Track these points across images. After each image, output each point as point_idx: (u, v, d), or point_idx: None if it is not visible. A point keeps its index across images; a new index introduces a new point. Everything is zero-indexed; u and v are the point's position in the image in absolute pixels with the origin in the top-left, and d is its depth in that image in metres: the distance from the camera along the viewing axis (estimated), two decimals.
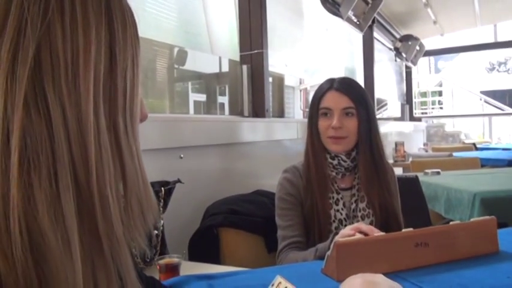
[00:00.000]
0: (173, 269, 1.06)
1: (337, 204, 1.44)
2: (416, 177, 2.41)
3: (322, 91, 1.48)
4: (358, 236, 1.07)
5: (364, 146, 1.45)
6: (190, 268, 1.12)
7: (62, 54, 0.37)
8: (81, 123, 0.37)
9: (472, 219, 1.18)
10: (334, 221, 1.42)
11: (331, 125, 1.43)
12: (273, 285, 0.78)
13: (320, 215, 1.40)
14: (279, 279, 0.78)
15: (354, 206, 1.45)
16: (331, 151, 1.46)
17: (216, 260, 1.52)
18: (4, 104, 0.34)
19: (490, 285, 0.92)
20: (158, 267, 1.05)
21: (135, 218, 0.42)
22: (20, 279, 0.33)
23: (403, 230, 1.09)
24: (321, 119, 1.46)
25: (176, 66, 2.75)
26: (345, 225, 1.36)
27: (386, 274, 0.98)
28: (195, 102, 3.21)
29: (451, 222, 1.16)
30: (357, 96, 1.46)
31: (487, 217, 1.17)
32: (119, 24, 0.41)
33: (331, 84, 1.48)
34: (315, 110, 1.48)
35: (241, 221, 1.57)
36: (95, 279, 0.38)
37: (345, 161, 1.46)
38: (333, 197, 1.44)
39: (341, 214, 1.43)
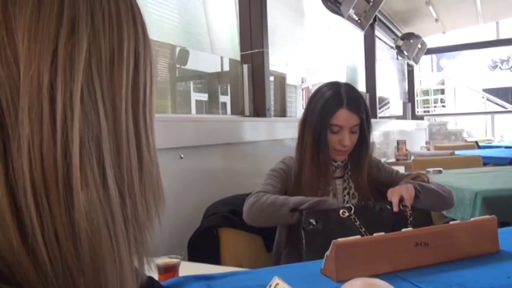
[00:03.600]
0: (172, 270, 1.06)
1: (327, 195, 1.53)
2: None
3: (333, 107, 1.52)
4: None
5: (358, 149, 1.59)
6: (189, 268, 1.12)
7: (104, 50, 0.39)
8: (115, 119, 0.40)
9: (472, 219, 1.17)
10: None
11: (341, 141, 1.52)
12: (270, 286, 0.78)
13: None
14: (276, 280, 0.78)
15: (345, 196, 1.58)
16: (335, 160, 1.59)
17: (215, 260, 1.52)
18: (63, 96, 0.35)
19: (490, 285, 0.91)
20: (157, 267, 1.05)
21: (150, 208, 0.44)
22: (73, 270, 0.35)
23: (403, 230, 1.09)
24: (330, 134, 1.54)
25: (178, 65, 2.75)
26: (338, 209, 1.44)
27: (385, 274, 0.98)
28: (197, 101, 3.22)
29: (451, 222, 1.16)
30: (363, 113, 1.56)
31: (488, 216, 1.17)
32: (140, 22, 0.44)
33: (340, 99, 1.52)
34: (326, 123, 1.53)
35: (241, 221, 1.56)
36: (133, 268, 0.41)
37: (335, 161, 1.60)
38: (323, 189, 1.54)
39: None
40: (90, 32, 0.38)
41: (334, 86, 1.57)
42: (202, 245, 1.59)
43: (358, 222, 1.37)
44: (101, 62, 0.39)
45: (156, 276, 1.04)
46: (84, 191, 0.36)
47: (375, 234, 1.05)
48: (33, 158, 0.34)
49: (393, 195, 1.45)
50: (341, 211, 1.39)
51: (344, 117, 1.51)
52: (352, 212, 1.39)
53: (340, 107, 1.51)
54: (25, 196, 0.34)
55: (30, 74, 0.34)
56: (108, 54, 0.39)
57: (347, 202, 1.53)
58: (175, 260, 1.07)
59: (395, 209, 1.42)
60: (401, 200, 1.43)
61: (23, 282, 0.34)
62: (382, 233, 1.05)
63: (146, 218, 0.43)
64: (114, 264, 0.38)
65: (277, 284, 0.77)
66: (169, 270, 1.04)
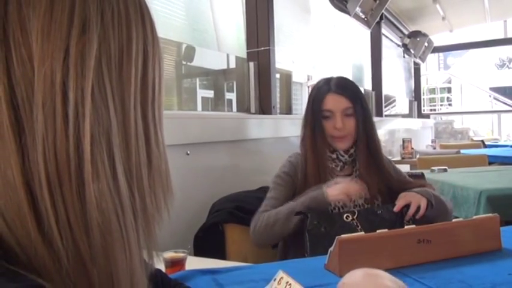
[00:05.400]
0: (179, 264, 1.08)
1: None
2: (422, 174, 2.41)
3: (321, 94, 1.59)
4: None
5: (361, 140, 1.57)
6: (195, 263, 1.14)
7: (113, 49, 0.40)
8: (125, 115, 0.41)
9: (474, 217, 1.18)
10: (334, 209, 1.49)
11: (335, 126, 1.55)
12: (275, 279, 0.80)
13: None
14: (281, 274, 0.80)
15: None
16: (337, 148, 1.57)
17: (221, 255, 1.54)
18: (75, 93, 0.37)
19: (491, 282, 0.93)
20: (164, 261, 1.07)
21: (159, 201, 0.46)
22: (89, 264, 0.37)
23: (406, 227, 1.10)
24: (324, 121, 1.57)
25: (184, 62, 2.77)
26: (342, 213, 1.44)
27: (388, 270, 0.99)
28: (203, 98, 3.23)
29: (454, 220, 1.17)
30: (354, 96, 1.58)
31: (490, 214, 1.18)
32: (148, 21, 0.45)
33: (329, 87, 1.59)
34: (317, 111, 1.58)
35: (246, 217, 1.58)
36: (143, 260, 0.43)
37: (342, 156, 1.58)
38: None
39: (339, 202, 1.49)
40: (100, 31, 0.39)
41: (326, 79, 1.63)
42: (208, 240, 1.61)
43: (360, 227, 1.38)
44: (110, 60, 0.40)
45: (163, 270, 1.06)
46: (95, 183, 0.38)
47: (378, 231, 1.07)
48: (47, 151, 0.36)
49: (404, 201, 1.43)
50: (345, 215, 1.40)
51: (332, 100, 1.56)
52: (356, 216, 1.40)
53: (328, 92, 1.57)
54: (40, 187, 0.35)
55: (44, 72, 0.36)
56: (118, 53, 0.41)
57: (354, 201, 1.52)
58: (181, 254, 1.09)
59: (396, 209, 1.42)
60: (407, 206, 1.42)
61: (40, 269, 0.35)
62: (385, 230, 1.07)
63: (155, 210, 0.45)
64: (123, 253, 0.40)
65: (282, 277, 0.79)
66: (176, 264, 1.07)
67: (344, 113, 1.55)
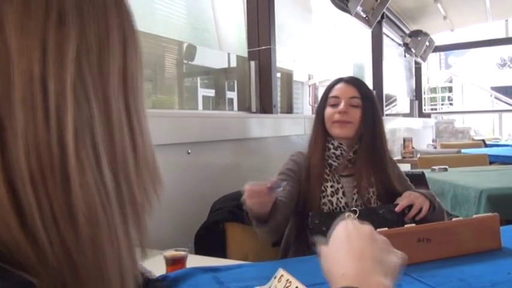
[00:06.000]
0: (180, 262, 1.08)
1: (337, 193, 1.51)
2: (423, 173, 2.41)
3: (331, 85, 1.62)
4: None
5: (366, 138, 1.53)
6: (196, 261, 1.14)
7: (92, 40, 0.40)
8: (107, 105, 0.41)
9: (474, 216, 1.19)
10: (335, 209, 1.48)
11: (338, 110, 1.53)
12: (275, 277, 0.80)
13: (311, 193, 1.50)
14: (281, 272, 0.80)
15: (355, 195, 1.52)
16: (335, 135, 1.54)
17: (221, 254, 1.54)
18: (55, 87, 0.37)
19: (490, 281, 0.93)
20: (165, 259, 1.07)
21: (147, 190, 0.45)
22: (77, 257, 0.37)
23: (406, 226, 1.10)
24: (328, 108, 1.57)
25: (185, 61, 2.77)
26: (343, 212, 1.44)
27: None
28: (204, 97, 3.23)
29: (453, 219, 1.17)
30: (364, 90, 1.58)
31: (490, 214, 1.18)
32: (126, 10, 0.45)
33: (340, 79, 1.62)
34: (324, 100, 1.60)
35: (246, 215, 1.59)
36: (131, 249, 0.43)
37: (346, 152, 1.54)
38: (333, 186, 1.51)
39: (340, 202, 1.50)
40: (78, 23, 0.39)
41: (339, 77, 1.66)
42: (209, 239, 1.61)
43: None
44: (90, 52, 0.40)
45: (164, 268, 1.06)
46: (80, 176, 0.37)
47: (378, 230, 1.07)
48: (28, 147, 0.36)
49: (408, 201, 1.42)
50: (346, 214, 1.40)
51: (340, 88, 1.58)
52: (357, 215, 1.39)
53: (338, 82, 1.60)
54: (23, 183, 0.35)
55: (22, 67, 0.36)
56: (97, 44, 0.40)
57: (356, 201, 1.52)
58: (182, 253, 1.10)
59: (398, 209, 1.42)
60: (409, 206, 1.42)
61: (24, 263, 0.35)
62: (385, 229, 1.07)
63: (145, 199, 0.45)
64: (111, 245, 0.40)
65: (282, 275, 0.79)
66: (177, 262, 1.07)
67: (350, 103, 1.53)
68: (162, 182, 0.47)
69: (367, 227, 0.62)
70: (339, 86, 1.58)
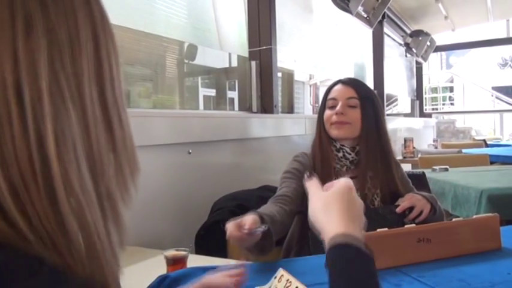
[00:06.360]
0: (180, 261, 1.08)
1: None
2: (423, 173, 2.41)
3: (330, 87, 1.62)
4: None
5: (367, 139, 1.51)
6: (197, 261, 1.14)
7: (63, 40, 0.40)
8: (83, 106, 0.41)
9: (474, 216, 1.19)
10: None
11: (335, 111, 1.53)
12: (275, 277, 0.81)
13: None
14: (281, 272, 0.81)
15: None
16: (334, 136, 1.54)
17: (222, 253, 1.55)
18: (30, 95, 0.37)
19: (490, 281, 0.93)
20: (166, 259, 1.08)
21: (126, 179, 0.46)
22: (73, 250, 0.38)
23: (406, 226, 1.11)
24: (327, 110, 1.58)
25: (186, 61, 2.77)
26: None
27: (388, 268, 1.00)
28: (205, 97, 3.24)
29: (454, 219, 1.18)
30: (362, 91, 1.57)
31: (490, 214, 1.18)
32: (95, 4, 0.44)
33: (339, 80, 1.62)
34: (323, 103, 1.61)
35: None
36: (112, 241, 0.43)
37: (349, 154, 1.53)
38: None
39: None
40: (46, 24, 0.38)
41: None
42: (210, 239, 1.62)
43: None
44: (62, 53, 0.39)
45: (165, 268, 1.07)
46: (64, 180, 0.37)
47: (378, 230, 1.07)
48: (5, 157, 0.35)
49: (409, 202, 1.42)
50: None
51: (338, 89, 1.57)
52: None
53: (337, 83, 1.60)
54: (2, 195, 0.35)
55: None
56: (68, 43, 0.40)
57: None
58: (183, 253, 1.10)
59: (399, 210, 1.41)
60: (410, 208, 1.41)
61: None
62: (386, 229, 1.07)
63: (123, 190, 0.45)
64: (101, 245, 0.40)
65: (282, 275, 0.79)
66: (177, 262, 1.07)
67: (347, 103, 1.53)
68: (140, 168, 0.48)
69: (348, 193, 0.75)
70: (337, 87, 1.59)
